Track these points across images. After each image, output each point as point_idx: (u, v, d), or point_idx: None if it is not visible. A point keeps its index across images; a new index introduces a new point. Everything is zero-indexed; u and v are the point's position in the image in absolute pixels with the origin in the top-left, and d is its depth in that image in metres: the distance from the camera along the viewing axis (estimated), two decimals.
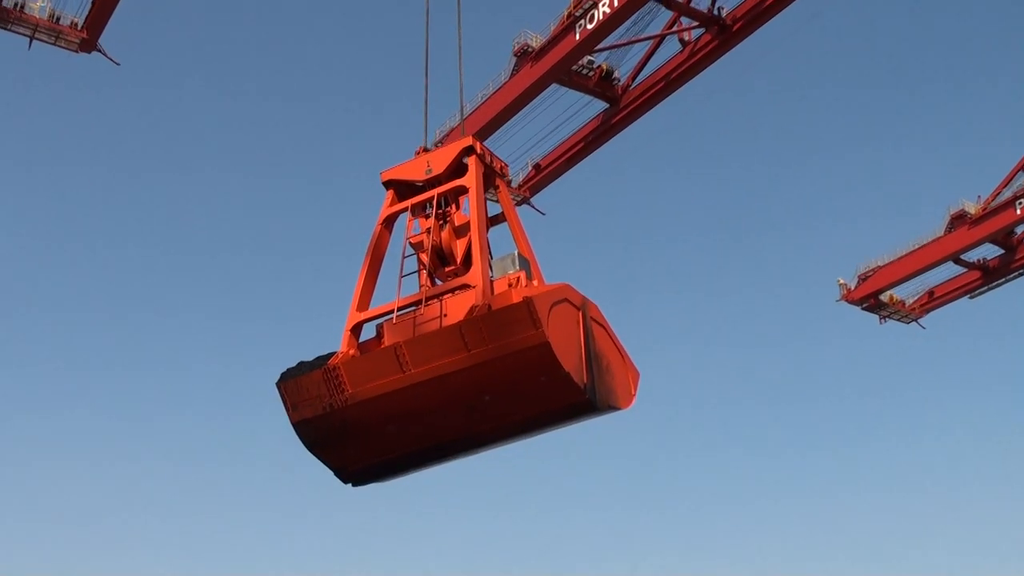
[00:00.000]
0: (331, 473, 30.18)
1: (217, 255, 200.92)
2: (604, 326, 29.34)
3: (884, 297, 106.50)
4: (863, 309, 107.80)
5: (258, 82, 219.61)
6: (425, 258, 29.80)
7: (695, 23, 72.77)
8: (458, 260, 29.54)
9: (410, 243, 30.34)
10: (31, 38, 70.16)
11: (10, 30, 69.82)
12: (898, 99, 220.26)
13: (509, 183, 32.08)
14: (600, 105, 78.95)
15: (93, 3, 68.93)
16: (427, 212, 30.45)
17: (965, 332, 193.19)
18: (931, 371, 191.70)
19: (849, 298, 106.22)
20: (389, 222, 31.05)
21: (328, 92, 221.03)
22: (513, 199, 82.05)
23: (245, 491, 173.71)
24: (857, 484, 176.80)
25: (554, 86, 76.18)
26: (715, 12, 71.48)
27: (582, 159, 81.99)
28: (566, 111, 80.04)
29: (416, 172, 30.89)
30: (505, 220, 31.02)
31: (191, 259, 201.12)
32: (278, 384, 29.30)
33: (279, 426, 29.10)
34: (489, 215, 30.57)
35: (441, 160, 30.57)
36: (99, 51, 71.55)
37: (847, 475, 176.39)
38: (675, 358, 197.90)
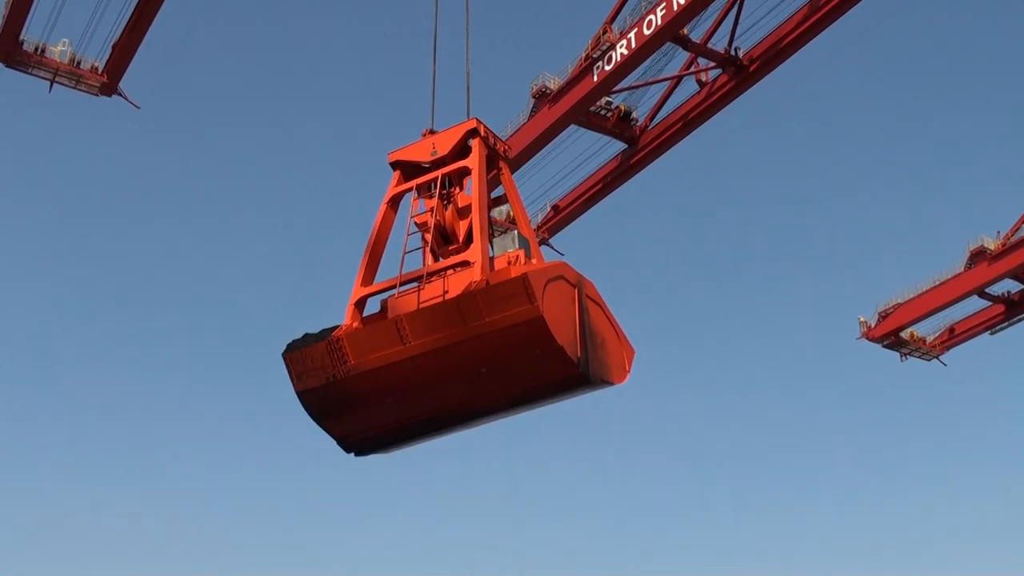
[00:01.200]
0: (335, 453, 31.08)
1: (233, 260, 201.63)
2: (600, 304, 30.18)
3: (905, 335, 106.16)
4: (884, 347, 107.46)
5: (275, 114, 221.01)
6: (428, 237, 30.60)
7: (712, 64, 72.84)
8: (460, 239, 30.26)
9: (414, 222, 31.02)
10: (52, 81, 70.75)
11: (31, 74, 70.44)
12: (917, 136, 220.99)
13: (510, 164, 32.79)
14: (618, 146, 79.02)
15: (113, 47, 69.49)
16: (431, 192, 31.06)
17: (986, 368, 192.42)
18: (953, 409, 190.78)
19: (870, 336, 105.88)
20: (395, 202, 31.87)
21: (340, 112, 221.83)
22: None
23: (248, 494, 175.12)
24: (882, 524, 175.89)
25: (572, 127, 76.26)
26: (732, 53, 71.55)
27: (601, 200, 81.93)
28: (584, 152, 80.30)
29: (422, 153, 31.72)
30: (507, 202, 32.47)
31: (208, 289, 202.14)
32: (284, 355, 30.17)
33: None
34: (492, 196, 31.62)
35: (446, 142, 31.37)
36: (119, 94, 72.18)
37: (871, 515, 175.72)
38: (695, 398, 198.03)
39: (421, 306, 28.87)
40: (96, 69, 70.81)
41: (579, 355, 28.03)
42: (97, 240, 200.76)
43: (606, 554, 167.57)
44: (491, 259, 29.67)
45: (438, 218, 30.50)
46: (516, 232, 30.61)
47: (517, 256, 29.66)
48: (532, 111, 75.40)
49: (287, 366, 30.07)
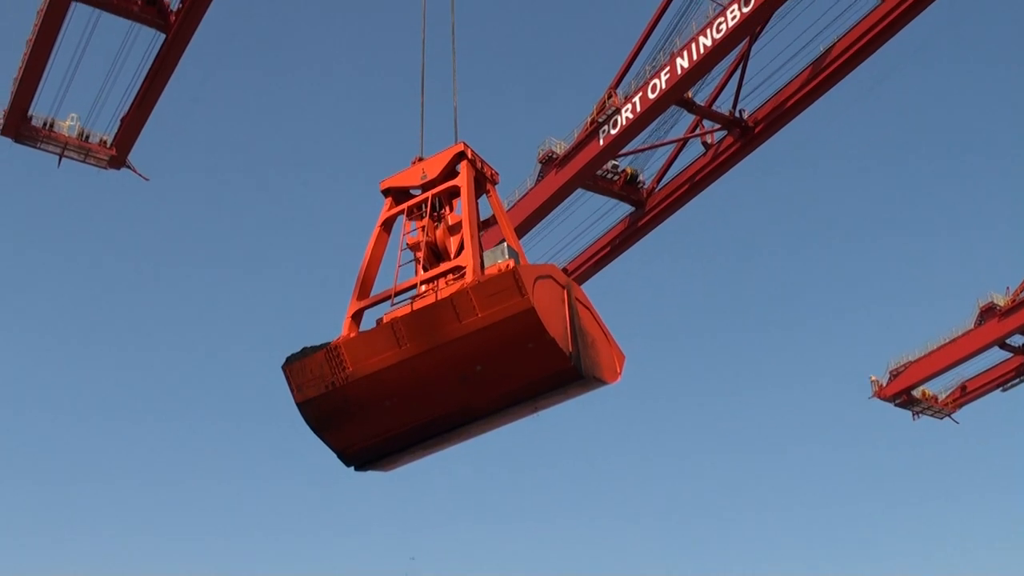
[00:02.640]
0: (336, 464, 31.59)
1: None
2: (589, 307, 30.80)
3: (916, 393, 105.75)
4: (896, 405, 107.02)
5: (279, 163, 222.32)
6: (420, 256, 31.31)
7: (717, 126, 73.28)
8: (452, 255, 31.08)
9: (407, 244, 31.77)
10: (60, 156, 71.26)
11: (40, 148, 70.84)
12: (924, 192, 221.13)
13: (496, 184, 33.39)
14: (626, 208, 79.23)
15: (122, 121, 69.95)
16: (422, 213, 31.94)
17: (999, 425, 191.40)
18: (966, 467, 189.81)
19: (882, 395, 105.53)
20: (387, 225, 32.69)
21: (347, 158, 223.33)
22: None
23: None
24: None
25: (579, 191, 76.54)
26: (737, 115, 71.98)
27: (610, 262, 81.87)
28: (592, 215, 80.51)
29: (412, 179, 32.63)
30: (496, 223, 32.93)
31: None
32: (283, 367, 30.61)
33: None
34: (482, 218, 32.02)
35: (435, 165, 32.25)
36: (128, 167, 72.51)
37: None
38: (706, 458, 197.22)
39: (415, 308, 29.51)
40: (105, 143, 71.39)
41: (571, 349, 28.52)
42: (108, 306, 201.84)
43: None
44: (484, 269, 30.29)
45: (429, 237, 31.35)
46: (505, 245, 31.04)
47: (507, 264, 30.06)
48: (539, 176, 75.74)
49: (287, 378, 30.58)
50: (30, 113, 69.42)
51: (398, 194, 32.92)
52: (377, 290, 31.83)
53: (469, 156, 32.06)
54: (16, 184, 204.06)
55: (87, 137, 70.96)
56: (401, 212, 32.51)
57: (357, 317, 31.30)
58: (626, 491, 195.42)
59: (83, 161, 71.75)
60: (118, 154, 71.60)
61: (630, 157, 76.40)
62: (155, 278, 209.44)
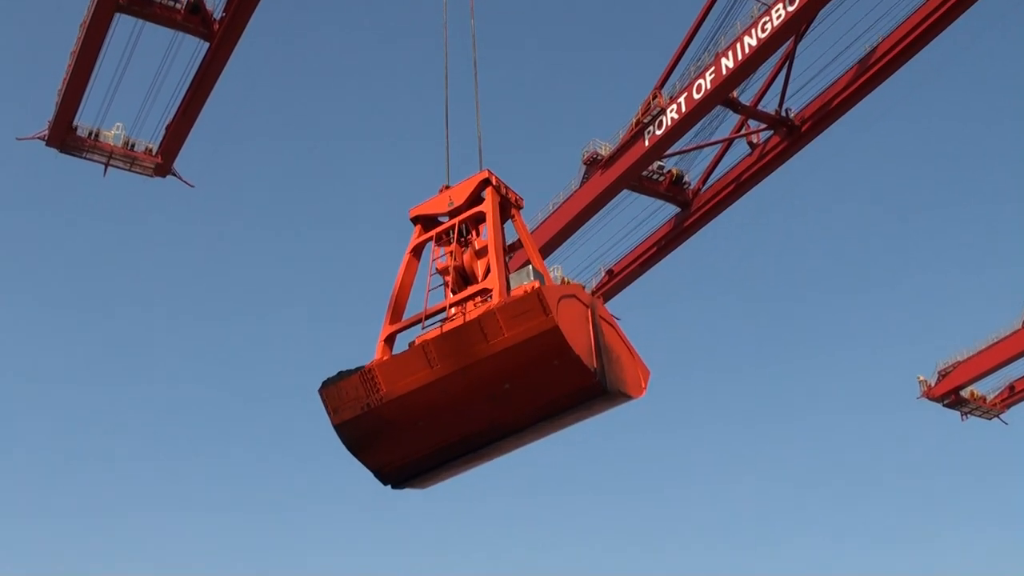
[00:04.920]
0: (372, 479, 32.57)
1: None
2: (613, 325, 31.72)
3: (965, 393, 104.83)
4: (944, 406, 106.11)
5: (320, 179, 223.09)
6: (449, 279, 32.29)
7: (763, 125, 72.80)
8: (480, 278, 32.01)
9: (436, 269, 32.81)
10: (106, 165, 71.42)
11: (86, 158, 71.04)
12: (971, 192, 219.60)
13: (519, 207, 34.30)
14: (671, 209, 78.93)
15: (167, 128, 70.06)
16: (450, 239, 33.08)
17: None
18: (1015, 468, 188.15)
19: (930, 395, 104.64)
20: (417, 252, 33.84)
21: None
22: None
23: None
24: None
25: (625, 192, 76.24)
26: (783, 114, 71.48)
27: (655, 263, 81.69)
28: (637, 216, 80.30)
29: (440, 207, 33.74)
30: (521, 247, 34.03)
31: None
32: (320, 391, 31.61)
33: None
34: (508, 243, 33.30)
35: (461, 193, 33.34)
36: (174, 175, 72.75)
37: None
38: (755, 459, 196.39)
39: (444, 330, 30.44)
40: (150, 151, 71.48)
41: (595, 365, 29.35)
42: (151, 318, 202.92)
43: None
44: (509, 291, 31.16)
45: (457, 261, 32.33)
46: (531, 267, 31.98)
47: (533, 286, 30.65)
48: (584, 177, 75.45)
49: (323, 401, 31.51)
50: (75, 124, 69.62)
51: (427, 221, 34.06)
52: (408, 314, 32.98)
53: (494, 183, 33.05)
54: (62, 194, 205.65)
55: (132, 146, 71.14)
56: (430, 239, 33.60)
57: (390, 340, 32.44)
58: (671, 493, 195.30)
59: (129, 170, 71.95)
60: (164, 162, 71.75)
61: (676, 158, 76.11)
62: (200, 287, 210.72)
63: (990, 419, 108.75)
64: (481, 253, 32.37)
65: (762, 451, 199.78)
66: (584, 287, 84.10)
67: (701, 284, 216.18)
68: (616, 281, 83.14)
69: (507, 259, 32.75)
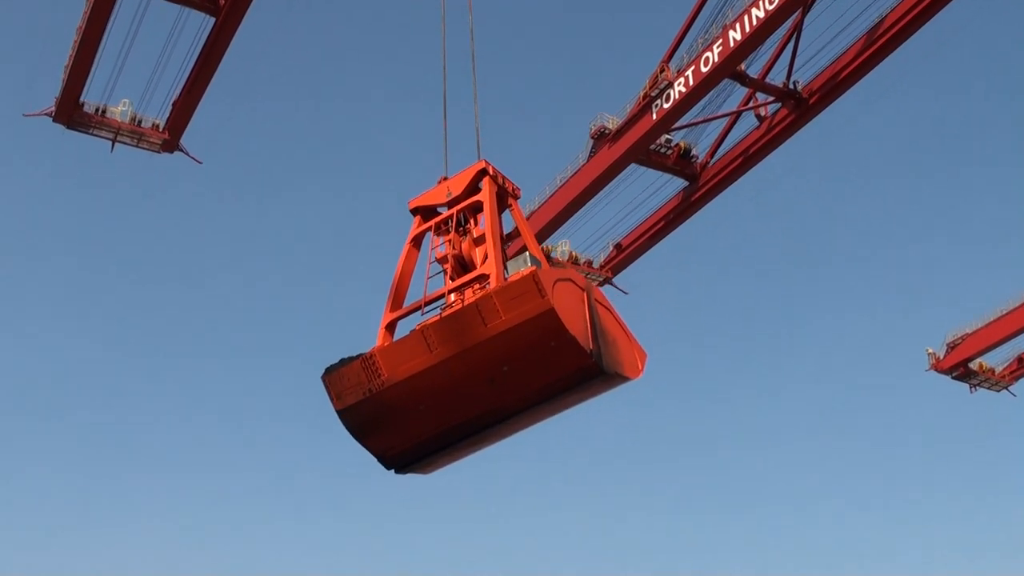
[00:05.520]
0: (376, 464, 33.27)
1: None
2: (609, 308, 32.32)
3: (974, 365, 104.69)
4: (953, 378, 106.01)
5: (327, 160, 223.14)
6: (448, 268, 33.04)
7: (771, 98, 72.59)
8: (477, 266, 32.72)
9: (436, 258, 33.51)
10: (113, 141, 71.39)
11: (93, 134, 71.00)
12: (980, 165, 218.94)
13: (517, 197, 35.02)
14: (679, 183, 78.77)
15: (174, 104, 70.04)
16: (448, 228, 33.86)
17: None
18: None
19: (939, 368, 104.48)
20: (417, 242, 34.63)
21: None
22: (595, 280, 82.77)
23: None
24: (958, 555, 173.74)
25: (633, 166, 76.11)
26: (791, 86, 71.24)
27: (664, 237, 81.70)
28: (645, 190, 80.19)
29: (438, 198, 34.56)
30: (519, 235, 34.75)
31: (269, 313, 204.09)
32: (323, 377, 32.37)
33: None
34: (505, 232, 34.17)
35: (459, 183, 34.15)
36: (181, 151, 72.63)
37: (948, 549, 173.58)
38: (763, 432, 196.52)
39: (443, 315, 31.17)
40: (157, 127, 71.51)
41: (591, 347, 29.90)
42: (159, 295, 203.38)
43: None
44: (507, 277, 31.66)
45: (456, 249, 33.10)
46: (528, 254, 32.42)
47: (530, 270, 31.16)
48: (592, 151, 75.37)
49: (326, 387, 32.29)
50: (82, 100, 69.55)
51: (426, 212, 34.85)
52: (409, 302, 33.63)
53: (491, 172, 33.84)
54: (70, 170, 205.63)
55: (139, 122, 71.11)
56: (429, 229, 34.32)
57: (391, 327, 33.13)
58: (686, 457, 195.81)
59: (136, 146, 71.93)
60: (171, 138, 71.77)
61: (683, 131, 75.93)
62: (207, 263, 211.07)
63: (999, 391, 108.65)
64: (479, 241, 33.07)
65: (768, 422, 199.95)
66: (592, 260, 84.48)
67: (709, 256, 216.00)
68: (624, 255, 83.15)
69: (504, 247, 33.45)
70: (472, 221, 33.72)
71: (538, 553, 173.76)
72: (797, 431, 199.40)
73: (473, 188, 33.88)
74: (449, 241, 33.29)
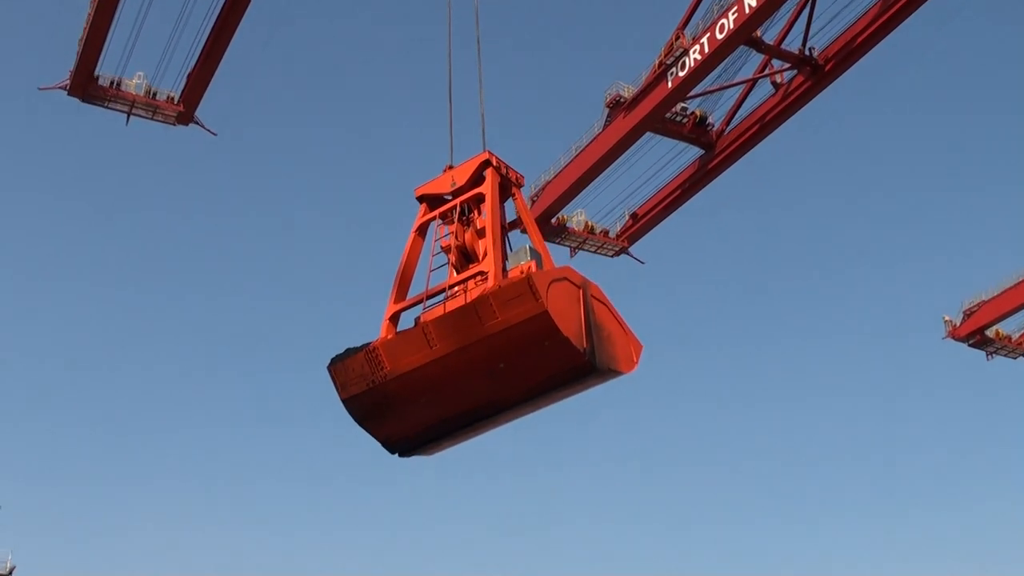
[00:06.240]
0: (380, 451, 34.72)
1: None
2: (605, 304, 33.17)
3: (990, 333, 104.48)
4: (970, 346, 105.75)
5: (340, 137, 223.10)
6: (452, 258, 34.11)
7: (787, 65, 72.11)
8: (480, 257, 33.65)
9: (441, 247, 34.58)
10: (128, 114, 71.40)
11: (108, 107, 71.00)
12: (997, 129, 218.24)
13: (520, 187, 35.83)
14: (695, 151, 78.46)
15: (188, 77, 69.98)
16: (453, 218, 34.72)
17: None
18: None
19: (955, 335, 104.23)
20: (422, 230, 35.47)
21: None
22: (611, 250, 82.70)
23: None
24: (972, 524, 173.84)
25: (648, 135, 75.84)
26: (807, 53, 70.79)
27: (680, 206, 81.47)
28: (661, 159, 79.81)
29: (443, 186, 35.34)
30: (521, 224, 35.51)
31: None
32: (328, 367, 33.78)
33: None
34: (508, 220, 35.17)
35: (463, 173, 34.98)
36: (196, 123, 72.68)
37: (964, 519, 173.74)
38: (777, 402, 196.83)
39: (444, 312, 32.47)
40: (172, 99, 71.48)
41: (585, 346, 31.07)
42: (179, 264, 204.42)
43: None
44: (506, 271, 33.13)
45: (459, 240, 34.07)
46: (528, 247, 33.85)
47: (529, 266, 32.91)
48: (607, 120, 75.14)
49: (332, 377, 33.73)
50: (97, 73, 69.52)
51: (432, 200, 35.61)
52: (415, 289, 34.59)
53: (494, 163, 34.60)
54: (85, 144, 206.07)
55: (154, 94, 71.09)
56: (434, 218, 35.18)
57: (395, 319, 34.16)
58: (702, 436, 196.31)
59: (151, 118, 72.00)
60: (186, 110, 71.79)
61: (699, 99, 75.41)
62: (223, 233, 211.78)
63: (1015, 359, 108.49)
64: (482, 233, 33.88)
65: (788, 385, 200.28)
66: (609, 230, 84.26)
67: (725, 225, 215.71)
68: (641, 224, 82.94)
69: (507, 238, 34.66)
70: (476, 211, 34.55)
71: (537, 553, 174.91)
72: (814, 396, 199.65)
73: (477, 178, 34.76)
74: (453, 232, 34.33)
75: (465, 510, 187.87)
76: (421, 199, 35.81)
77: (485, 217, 33.92)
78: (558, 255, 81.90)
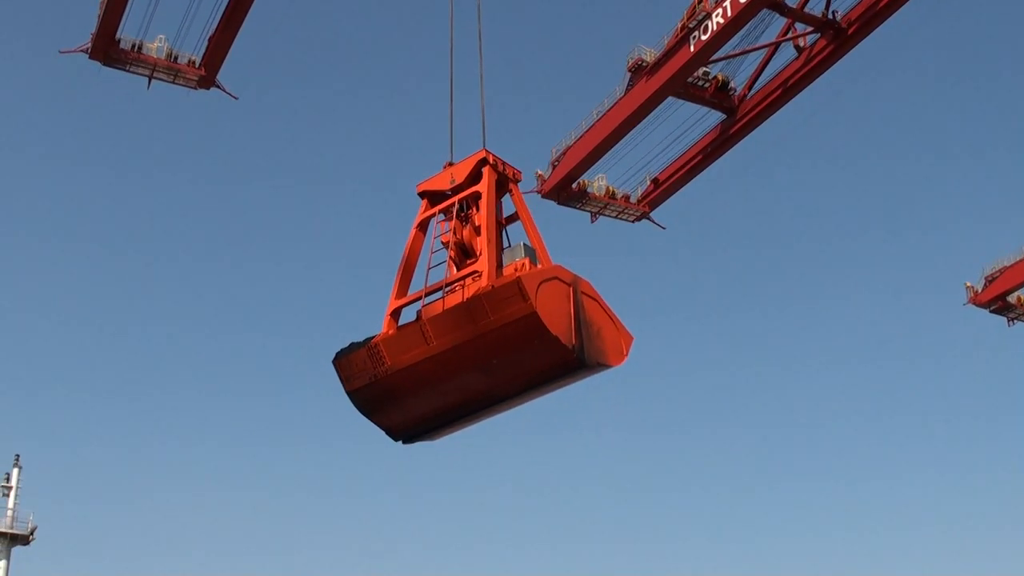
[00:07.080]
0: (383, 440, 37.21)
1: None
2: (596, 299, 35.03)
3: (1012, 299, 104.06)
4: (991, 312, 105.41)
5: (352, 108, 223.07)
6: (451, 252, 35.83)
7: (810, 28, 71.74)
8: (478, 253, 35.28)
9: (441, 242, 36.17)
10: (150, 78, 71.23)
11: (129, 71, 70.82)
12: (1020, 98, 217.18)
13: (519, 182, 37.45)
14: (717, 116, 78.21)
15: (209, 41, 69.81)
16: (452, 213, 36.36)
17: None
18: None
19: (976, 301, 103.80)
20: (423, 226, 37.18)
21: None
22: (632, 215, 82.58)
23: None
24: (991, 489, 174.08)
25: (670, 99, 75.54)
26: (830, 16, 70.40)
27: (701, 171, 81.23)
28: (683, 124, 79.56)
29: (443, 183, 36.97)
30: (519, 219, 37.05)
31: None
32: (334, 362, 36.16)
33: None
34: (507, 215, 36.92)
35: (462, 171, 36.60)
36: (217, 87, 72.47)
37: (992, 482, 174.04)
38: (799, 366, 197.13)
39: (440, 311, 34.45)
40: (193, 63, 71.24)
41: (574, 343, 33.03)
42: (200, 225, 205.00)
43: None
44: (502, 267, 35.01)
45: (458, 236, 35.80)
46: (524, 243, 35.80)
47: (523, 263, 34.94)
48: (628, 85, 74.87)
49: (337, 371, 36.13)
50: (118, 36, 69.22)
51: (433, 196, 37.27)
52: (416, 283, 36.31)
53: (491, 161, 36.13)
54: (107, 107, 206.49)
55: (176, 58, 70.77)
56: (435, 214, 36.81)
57: (396, 314, 36.13)
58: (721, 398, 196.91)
59: (172, 82, 71.74)
60: (207, 74, 71.52)
61: (721, 64, 75.16)
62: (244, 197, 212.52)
63: None
64: (480, 229, 35.51)
65: (809, 349, 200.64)
66: (629, 195, 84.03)
67: (746, 190, 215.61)
68: (662, 189, 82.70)
69: (505, 232, 36.61)
70: (474, 208, 36.09)
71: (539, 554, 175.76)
72: (836, 361, 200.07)
73: (475, 176, 36.16)
74: (452, 229, 35.94)
75: (465, 509, 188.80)
76: (422, 195, 37.43)
77: (480, 215, 35.59)
78: (579, 220, 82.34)
